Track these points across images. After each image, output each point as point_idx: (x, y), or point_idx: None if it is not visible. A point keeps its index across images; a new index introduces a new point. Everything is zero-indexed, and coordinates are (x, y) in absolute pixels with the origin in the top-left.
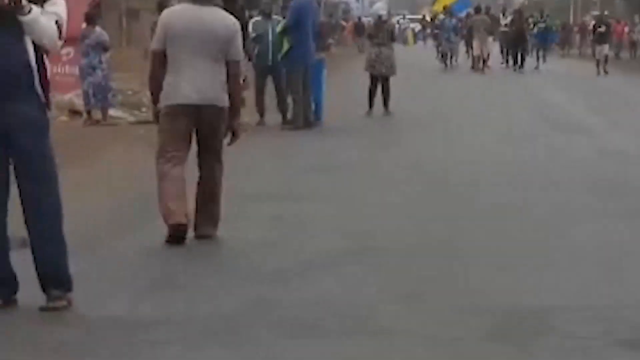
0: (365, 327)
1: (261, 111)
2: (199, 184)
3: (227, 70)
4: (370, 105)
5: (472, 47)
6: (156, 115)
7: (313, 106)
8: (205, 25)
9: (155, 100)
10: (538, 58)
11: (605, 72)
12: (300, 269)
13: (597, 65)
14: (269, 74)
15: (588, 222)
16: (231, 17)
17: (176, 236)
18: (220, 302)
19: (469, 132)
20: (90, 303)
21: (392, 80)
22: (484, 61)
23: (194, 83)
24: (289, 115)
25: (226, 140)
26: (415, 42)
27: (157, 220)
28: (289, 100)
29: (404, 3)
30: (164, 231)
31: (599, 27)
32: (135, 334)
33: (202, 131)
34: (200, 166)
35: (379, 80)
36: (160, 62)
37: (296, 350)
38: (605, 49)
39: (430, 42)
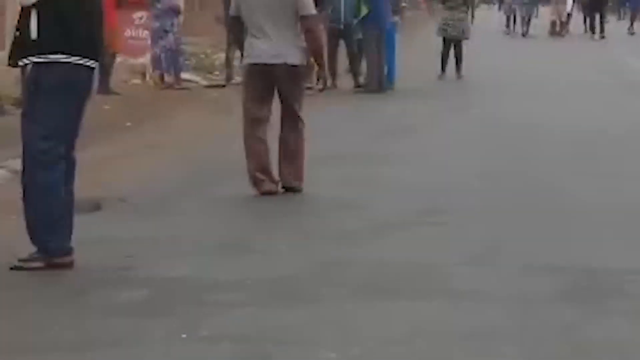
0: (437, 289)
1: (333, 74)
2: (280, 140)
3: (302, 26)
4: (443, 68)
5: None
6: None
7: (386, 70)
8: None
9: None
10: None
11: None
12: (372, 231)
13: None
14: (341, 37)
15: None
16: None
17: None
18: (292, 263)
19: (540, 96)
20: (159, 265)
21: (465, 44)
22: (562, 24)
23: (267, 43)
24: (362, 79)
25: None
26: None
27: (227, 182)
28: (363, 63)
29: None
30: (230, 193)
31: None
32: (204, 295)
33: (280, 89)
34: (281, 123)
35: (452, 44)
36: (236, 27)
37: (367, 312)
38: None
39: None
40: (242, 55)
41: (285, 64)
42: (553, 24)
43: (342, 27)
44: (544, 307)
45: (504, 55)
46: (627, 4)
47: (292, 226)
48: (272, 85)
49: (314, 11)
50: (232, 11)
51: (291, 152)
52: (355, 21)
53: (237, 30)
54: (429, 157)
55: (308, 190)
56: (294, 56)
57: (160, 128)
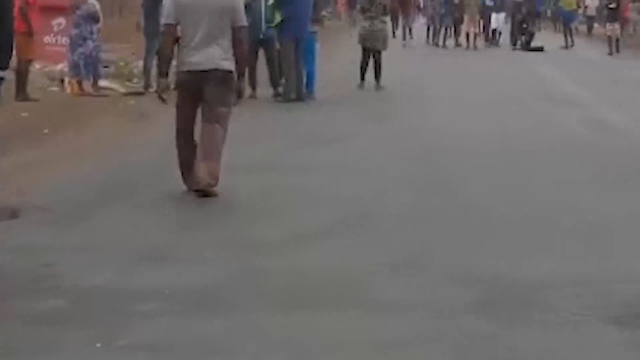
0: (357, 298)
1: (253, 84)
2: (201, 142)
3: (233, 36)
4: (362, 78)
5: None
6: (162, 87)
7: (305, 79)
8: None
9: (162, 72)
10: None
11: (617, 51)
12: (293, 240)
13: (609, 44)
14: (260, 46)
15: (580, 193)
16: None
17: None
18: (211, 272)
19: (460, 106)
20: (78, 273)
21: (384, 54)
22: (476, 36)
23: (203, 51)
24: (281, 88)
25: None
26: None
27: (147, 189)
28: (282, 73)
29: None
30: (149, 201)
31: (609, 3)
32: (123, 305)
33: (211, 94)
34: (203, 125)
35: (371, 54)
36: (171, 36)
37: (287, 322)
38: (616, 27)
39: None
40: (162, 62)
41: (220, 69)
42: (466, 35)
43: (261, 36)
44: (465, 317)
45: (424, 66)
46: (560, 17)
47: (212, 235)
48: (201, 90)
49: (246, 23)
50: (168, 18)
51: (211, 157)
52: (267, 27)
53: (169, 39)
54: (350, 166)
55: (229, 199)
56: (227, 63)
57: (78, 135)
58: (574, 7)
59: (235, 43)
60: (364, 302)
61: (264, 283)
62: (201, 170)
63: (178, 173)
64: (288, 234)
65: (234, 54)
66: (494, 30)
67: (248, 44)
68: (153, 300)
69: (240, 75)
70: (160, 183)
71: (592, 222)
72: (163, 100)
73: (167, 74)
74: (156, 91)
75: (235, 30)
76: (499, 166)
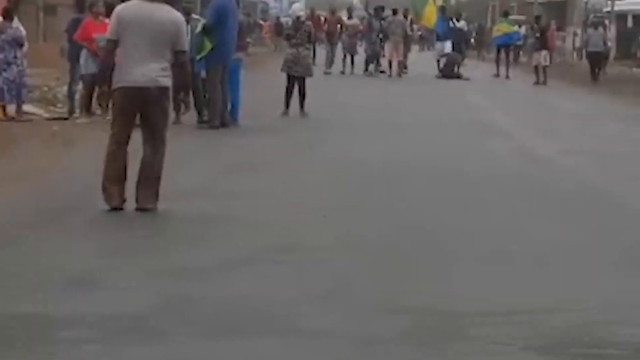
0: (283, 327)
1: (177, 109)
2: (142, 161)
3: (175, 59)
4: (287, 105)
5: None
6: (103, 97)
7: (229, 106)
8: (155, 18)
9: (102, 82)
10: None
11: (545, 80)
12: (220, 267)
13: (536, 72)
14: None
15: (511, 222)
16: (176, 12)
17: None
18: (139, 299)
19: (385, 132)
20: (2, 300)
21: (309, 81)
22: (400, 64)
23: (143, 68)
24: (206, 115)
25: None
26: None
27: (70, 215)
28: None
29: (323, 5)
30: (77, 226)
31: (536, 32)
32: (48, 333)
33: (149, 112)
34: (144, 145)
35: (296, 81)
36: (112, 51)
37: (212, 351)
38: (543, 55)
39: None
40: (102, 73)
41: (158, 87)
42: (389, 63)
43: None
44: (390, 346)
45: (350, 94)
46: (495, 44)
47: (140, 261)
48: (141, 107)
49: (187, 48)
50: (111, 34)
51: (153, 174)
52: (198, 57)
53: (112, 55)
54: (277, 193)
55: (158, 226)
56: (166, 80)
57: (2, 160)
58: (508, 30)
59: (177, 66)
60: (291, 331)
61: (191, 310)
62: (142, 192)
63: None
64: (216, 261)
65: (176, 75)
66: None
67: (189, 67)
68: (79, 327)
69: (185, 91)
70: (88, 208)
71: (524, 251)
72: (102, 107)
73: (108, 86)
74: (97, 99)
75: (177, 54)
76: (427, 194)
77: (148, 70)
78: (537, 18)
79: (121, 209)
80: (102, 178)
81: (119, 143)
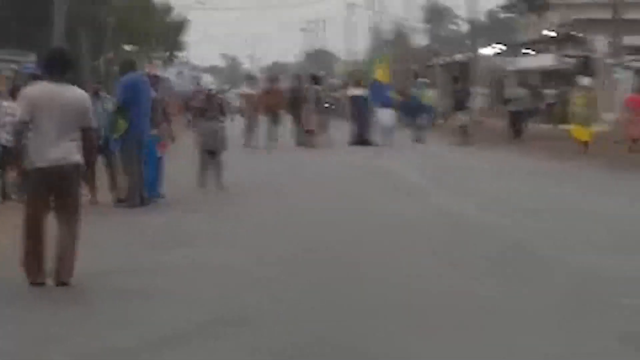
0: None
1: (93, 189)
2: (58, 238)
3: (83, 136)
4: (203, 180)
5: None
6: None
7: (147, 183)
8: (63, 98)
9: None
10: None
11: (468, 142)
12: (149, 346)
13: (460, 133)
14: (99, 152)
15: (441, 280)
16: (82, 91)
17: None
18: None
19: (304, 199)
20: None
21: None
22: (309, 132)
23: (54, 147)
24: (122, 194)
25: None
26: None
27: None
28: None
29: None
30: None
31: (457, 92)
32: None
33: (63, 188)
34: (58, 220)
35: (211, 155)
36: (24, 132)
37: None
38: (465, 115)
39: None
40: (16, 156)
41: (70, 164)
42: (306, 132)
43: (100, 142)
44: None
45: (262, 164)
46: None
47: (65, 342)
48: (55, 184)
49: (95, 125)
50: (22, 116)
51: (68, 249)
52: (114, 136)
53: (25, 135)
54: (207, 267)
55: (84, 303)
56: (76, 157)
57: None
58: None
59: (85, 142)
60: None
61: None
62: (57, 266)
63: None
64: (142, 340)
65: (83, 149)
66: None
67: (95, 144)
68: None
69: (89, 167)
70: (12, 284)
71: (455, 308)
72: (18, 193)
73: (21, 167)
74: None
75: (84, 131)
76: (355, 257)
77: (59, 150)
78: (455, 78)
79: (43, 283)
80: (21, 254)
81: (35, 216)
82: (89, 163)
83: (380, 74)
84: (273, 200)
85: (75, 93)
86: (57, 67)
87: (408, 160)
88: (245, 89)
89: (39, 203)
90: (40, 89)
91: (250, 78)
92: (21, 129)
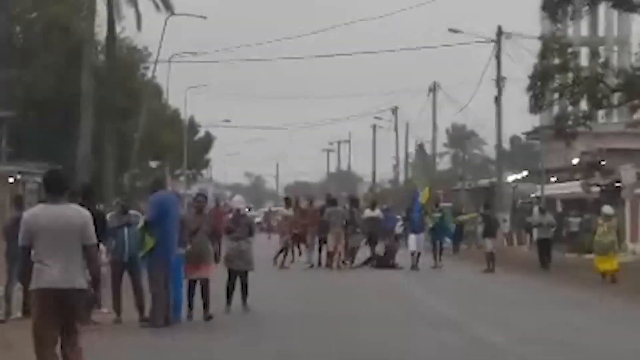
0: None
1: (118, 309)
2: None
3: (84, 253)
4: (229, 301)
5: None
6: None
7: (173, 303)
8: (63, 218)
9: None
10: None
11: (493, 267)
12: None
13: (487, 260)
14: (125, 269)
15: None
16: (81, 208)
17: None
18: None
19: (332, 324)
20: None
21: (250, 275)
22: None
23: (58, 269)
24: (147, 313)
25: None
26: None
27: None
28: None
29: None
30: None
31: (486, 217)
32: None
33: (67, 311)
34: (62, 346)
35: (237, 275)
36: (28, 256)
37: None
38: (493, 242)
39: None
40: (23, 284)
41: (74, 288)
42: (330, 255)
43: (126, 259)
44: None
45: (291, 286)
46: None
47: None
48: (60, 307)
49: (95, 241)
50: (23, 241)
51: None
52: (141, 254)
53: (28, 259)
54: None
55: None
56: (81, 281)
57: None
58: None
59: (87, 260)
60: None
61: None
62: None
63: None
64: None
65: (88, 267)
66: (412, 253)
67: (100, 261)
68: None
69: (94, 286)
70: None
71: None
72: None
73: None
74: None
75: (85, 248)
76: None
77: (64, 272)
78: (487, 205)
79: None
80: None
81: (44, 345)
82: (96, 282)
83: (426, 196)
84: (295, 323)
85: (74, 211)
86: (55, 188)
87: (438, 290)
88: (283, 210)
89: (46, 326)
90: (40, 212)
91: (286, 198)
92: (22, 255)
